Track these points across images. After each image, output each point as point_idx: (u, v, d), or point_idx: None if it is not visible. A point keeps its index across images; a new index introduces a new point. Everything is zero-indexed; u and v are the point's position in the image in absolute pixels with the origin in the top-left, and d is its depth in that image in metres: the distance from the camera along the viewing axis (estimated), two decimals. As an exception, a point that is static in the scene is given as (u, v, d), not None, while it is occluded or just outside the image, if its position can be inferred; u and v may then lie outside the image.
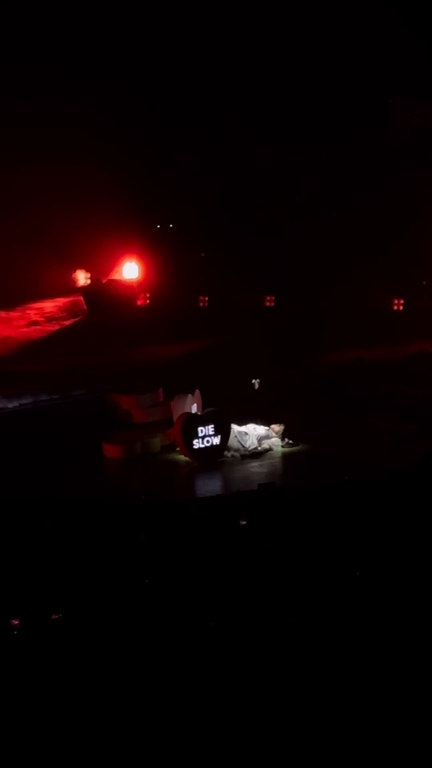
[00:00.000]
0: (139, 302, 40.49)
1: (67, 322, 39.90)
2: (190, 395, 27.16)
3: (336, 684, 13.63)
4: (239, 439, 26.79)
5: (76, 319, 40.14)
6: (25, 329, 39.11)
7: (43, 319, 40.10)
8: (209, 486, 25.94)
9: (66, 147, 39.92)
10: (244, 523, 20.29)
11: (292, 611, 15.74)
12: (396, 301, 38.55)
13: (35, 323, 39.72)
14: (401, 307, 38.52)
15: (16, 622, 15.35)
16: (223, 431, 26.48)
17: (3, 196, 40.11)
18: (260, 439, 26.84)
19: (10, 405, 30.04)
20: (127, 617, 15.77)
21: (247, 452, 26.67)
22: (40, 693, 13.80)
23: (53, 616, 15.64)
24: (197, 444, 26.20)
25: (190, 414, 26.69)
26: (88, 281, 42.33)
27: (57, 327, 39.44)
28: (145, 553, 18.81)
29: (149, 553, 18.78)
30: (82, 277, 42.24)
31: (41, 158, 39.90)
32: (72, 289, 42.15)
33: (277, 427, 26.96)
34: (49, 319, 40.12)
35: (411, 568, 17.18)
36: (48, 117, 40.47)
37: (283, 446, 26.83)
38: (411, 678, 13.74)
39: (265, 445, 26.80)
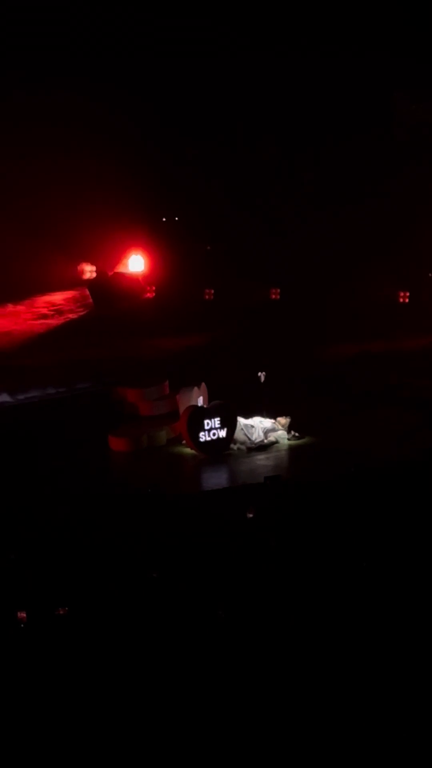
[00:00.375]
0: (145, 295, 40.54)
1: (73, 315, 39.94)
2: (196, 388, 27.17)
3: (340, 676, 13.64)
4: (245, 431, 26.79)
5: (82, 312, 40.18)
6: (31, 322, 39.16)
7: (49, 312, 40.14)
8: (215, 479, 25.94)
9: (72, 141, 39.96)
10: (251, 516, 20.31)
11: (297, 604, 15.75)
12: (402, 294, 38.53)
13: (41, 316, 39.77)
14: (407, 300, 38.50)
15: (23, 615, 15.37)
16: (230, 424, 26.48)
17: (10, 189, 40.15)
18: (266, 432, 26.83)
19: (18, 398, 30.13)
20: (133, 610, 15.79)
21: (253, 445, 26.66)
22: (46, 685, 13.82)
23: (59, 611, 15.66)
24: (203, 437, 26.20)
25: (196, 407, 26.69)
26: (94, 274, 42.36)
27: (63, 320, 39.47)
28: (151, 546, 18.83)
29: (156, 545, 18.81)
30: (88, 270, 42.28)
31: (47, 153, 39.95)
32: (78, 282, 42.20)
33: (283, 420, 26.95)
34: (55, 312, 40.16)
35: (417, 559, 17.19)
36: (54, 110, 40.49)
37: (289, 439, 26.83)
38: (416, 668, 13.75)
39: (272, 437, 26.80)
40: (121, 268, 41.62)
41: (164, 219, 42.35)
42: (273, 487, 22.45)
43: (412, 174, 39.69)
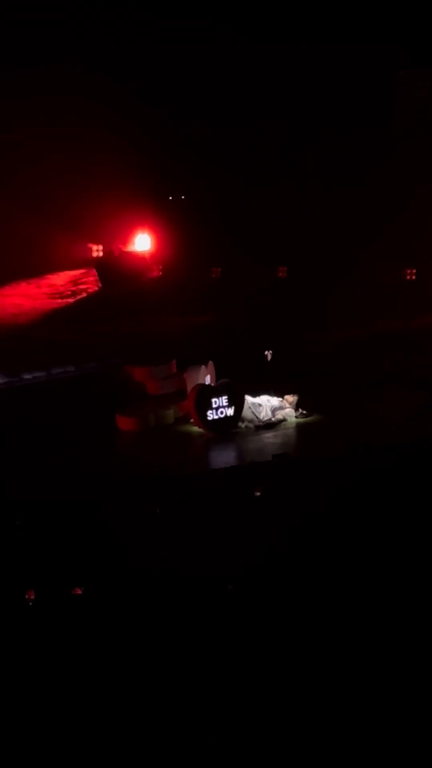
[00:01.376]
0: (152, 274, 40.50)
1: (81, 295, 39.95)
2: (203, 366, 27.16)
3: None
4: (253, 410, 26.81)
5: (90, 291, 40.19)
6: (37, 301, 39.18)
7: (55, 291, 40.15)
8: (223, 457, 25.95)
9: (78, 123, 39.87)
10: (259, 494, 20.34)
11: (304, 589, 15.74)
12: (408, 272, 38.45)
13: (48, 295, 39.78)
14: (414, 277, 38.42)
15: (32, 595, 15.42)
16: (237, 402, 26.48)
17: (18, 171, 40.13)
18: (274, 410, 26.85)
19: (25, 377, 30.18)
20: (141, 591, 15.81)
21: (261, 423, 26.68)
22: (51, 668, 13.84)
23: (75, 591, 15.68)
24: (211, 415, 26.20)
25: (203, 385, 26.69)
26: (101, 253, 42.32)
27: (70, 299, 39.48)
28: (160, 525, 18.85)
29: (164, 525, 18.84)
30: (95, 249, 42.24)
31: (55, 135, 39.89)
32: (85, 261, 42.16)
33: (291, 398, 26.96)
34: (62, 291, 40.16)
35: (422, 542, 17.17)
36: (62, 90, 40.37)
37: (297, 417, 26.83)
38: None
39: (279, 415, 26.81)
40: (128, 247, 41.58)
41: (170, 198, 42.24)
42: (280, 465, 22.50)
43: (415, 154, 39.51)
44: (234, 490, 21.10)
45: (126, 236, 41.58)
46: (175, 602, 15.66)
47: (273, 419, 26.76)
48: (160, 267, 40.32)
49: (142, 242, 41.70)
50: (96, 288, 40.29)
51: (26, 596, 15.47)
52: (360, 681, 13.28)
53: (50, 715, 13.01)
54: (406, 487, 19.92)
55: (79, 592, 15.61)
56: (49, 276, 40.60)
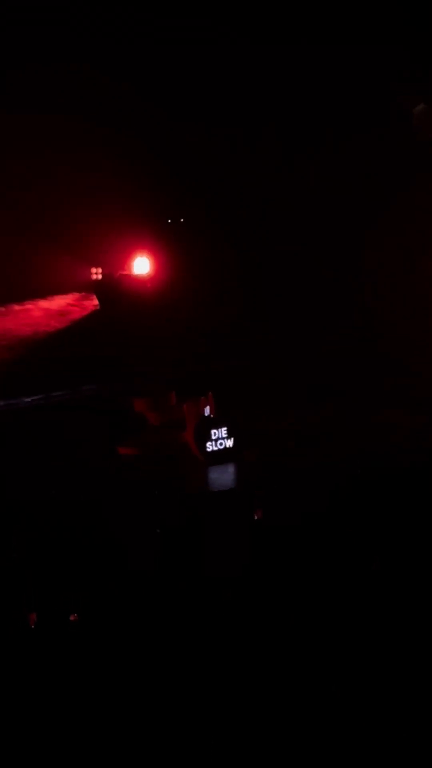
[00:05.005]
0: (151, 298, 40.49)
1: (78, 318, 39.93)
2: (203, 398, 27.32)
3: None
4: None
5: (88, 314, 40.16)
6: (35, 323, 39.15)
7: (54, 314, 40.14)
8: (222, 480, 26.03)
9: (77, 144, 39.89)
10: (258, 518, 20.36)
11: (302, 606, 15.79)
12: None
13: (46, 318, 39.77)
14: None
15: (33, 617, 15.43)
16: (236, 433, 26.67)
17: (16, 194, 40.16)
18: None
19: (25, 400, 30.19)
20: (137, 611, 15.84)
21: None
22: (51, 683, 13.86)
23: (71, 617, 15.73)
24: (210, 446, 26.37)
25: (203, 416, 26.86)
26: (100, 276, 42.35)
27: (68, 322, 39.47)
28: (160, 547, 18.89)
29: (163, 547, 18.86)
30: (94, 273, 42.27)
31: (52, 157, 39.91)
32: (84, 284, 42.17)
33: None
34: (61, 314, 40.15)
35: (424, 562, 17.21)
36: (60, 112, 40.43)
37: None
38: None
39: None
40: (126, 271, 41.65)
41: (169, 221, 42.34)
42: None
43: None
44: (233, 513, 21.15)
45: (125, 259, 41.66)
46: (176, 603, 15.70)
47: None
48: (160, 291, 40.30)
49: (141, 265, 41.79)
50: (95, 311, 40.31)
51: (29, 617, 15.49)
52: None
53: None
54: (404, 511, 19.95)
55: (73, 618, 15.66)
56: (46, 298, 40.61)
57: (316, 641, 14.46)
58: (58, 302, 40.98)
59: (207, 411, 27.21)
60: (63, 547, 18.91)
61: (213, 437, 26.30)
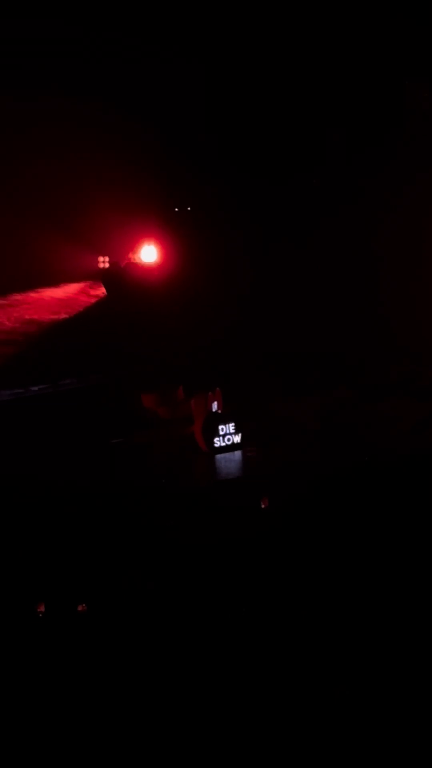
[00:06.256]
0: (158, 288, 40.52)
1: (85, 307, 40.00)
2: (210, 393, 27.42)
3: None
4: None
5: (95, 304, 40.23)
6: (41, 312, 39.22)
7: (61, 302, 40.20)
8: (228, 469, 26.15)
9: (84, 135, 39.85)
10: (265, 507, 20.47)
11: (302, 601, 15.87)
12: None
13: (52, 307, 39.83)
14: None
15: (41, 609, 15.55)
16: (243, 429, 26.82)
17: (20, 181, 40.16)
18: None
19: (32, 389, 30.30)
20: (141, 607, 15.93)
21: None
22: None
23: (79, 608, 15.83)
24: (218, 442, 26.51)
25: (210, 412, 26.97)
26: (107, 265, 42.38)
27: (75, 311, 39.54)
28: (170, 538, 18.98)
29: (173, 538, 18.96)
30: (101, 261, 42.30)
31: (59, 146, 39.88)
32: (91, 273, 42.20)
33: None
34: (68, 303, 40.21)
35: (423, 555, 17.27)
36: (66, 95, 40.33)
37: None
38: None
39: None
40: (133, 259, 41.65)
41: (176, 209, 42.30)
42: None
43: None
44: (240, 501, 21.25)
45: (132, 248, 41.65)
46: (182, 592, 15.79)
47: None
48: (169, 282, 40.23)
49: (149, 254, 41.77)
50: (102, 299, 40.35)
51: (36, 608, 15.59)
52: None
53: (58, 706, 13.14)
54: (407, 502, 20.01)
55: (81, 609, 15.75)
56: (52, 288, 40.64)
57: (318, 627, 14.55)
58: (65, 291, 41.02)
59: (215, 406, 27.29)
60: (70, 538, 19.03)
61: (221, 433, 26.43)
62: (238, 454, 26.66)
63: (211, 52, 38.40)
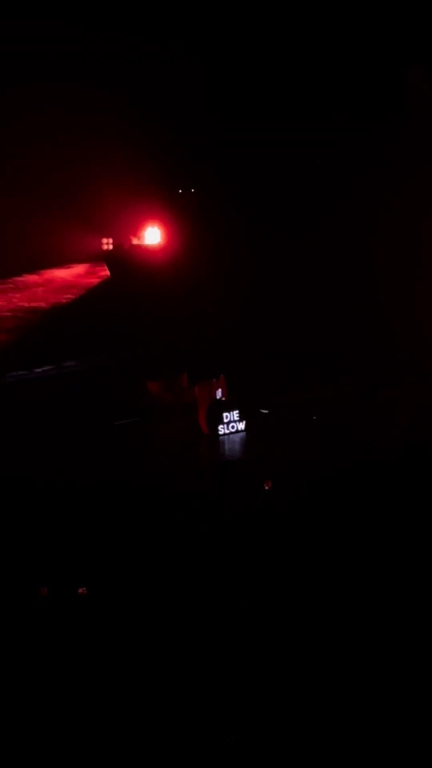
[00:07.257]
0: (162, 270, 40.54)
1: (89, 289, 40.04)
2: (214, 380, 27.52)
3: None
4: None
5: (98, 286, 40.26)
6: (45, 294, 39.26)
7: (65, 284, 40.23)
8: (233, 450, 26.29)
9: (88, 117, 39.78)
10: (268, 488, 20.59)
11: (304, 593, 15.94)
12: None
13: (56, 288, 39.86)
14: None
15: (45, 592, 15.67)
16: (248, 416, 26.98)
17: (26, 163, 40.11)
18: None
19: (36, 371, 30.39)
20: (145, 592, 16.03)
21: None
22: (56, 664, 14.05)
23: (80, 590, 15.94)
24: (222, 429, 26.65)
25: (215, 399, 27.11)
26: (111, 247, 42.38)
27: (79, 293, 39.58)
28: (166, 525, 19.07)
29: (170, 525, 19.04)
30: (105, 243, 42.29)
31: (64, 130, 39.81)
32: (94, 254, 42.21)
33: None
34: (72, 284, 40.25)
35: (423, 548, 17.35)
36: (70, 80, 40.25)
37: None
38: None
39: None
40: (137, 241, 41.65)
41: (180, 191, 42.24)
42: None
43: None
44: (243, 483, 21.37)
45: (136, 229, 41.62)
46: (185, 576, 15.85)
47: None
48: (172, 265, 40.18)
49: (152, 235, 41.75)
50: (105, 281, 40.36)
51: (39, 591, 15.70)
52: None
53: (59, 690, 13.22)
54: (407, 493, 20.10)
55: (82, 591, 15.87)
56: (55, 270, 40.64)
57: (318, 624, 14.60)
58: (69, 272, 41.05)
59: (219, 394, 27.42)
60: (72, 522, 19.12)
61: (225, 420, 26.57)
62: (241, 435, 26.82)
63: (211, 40, 38.28)
